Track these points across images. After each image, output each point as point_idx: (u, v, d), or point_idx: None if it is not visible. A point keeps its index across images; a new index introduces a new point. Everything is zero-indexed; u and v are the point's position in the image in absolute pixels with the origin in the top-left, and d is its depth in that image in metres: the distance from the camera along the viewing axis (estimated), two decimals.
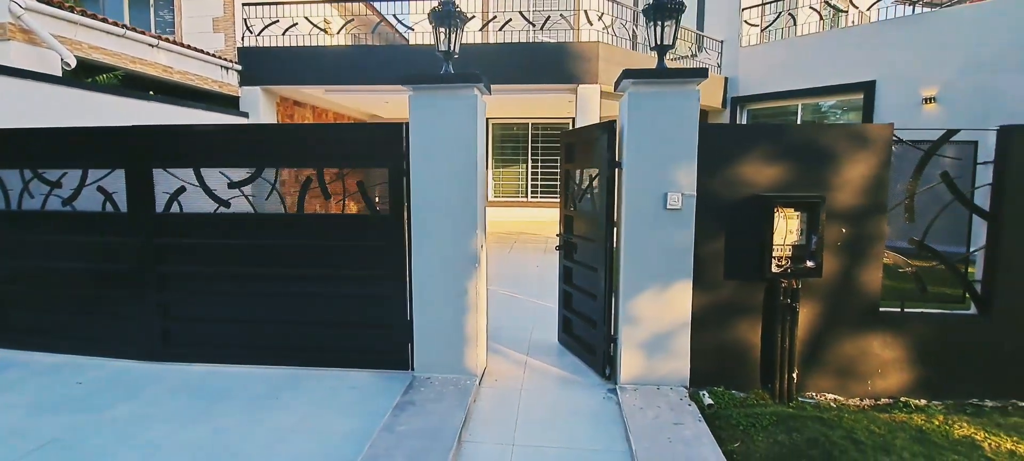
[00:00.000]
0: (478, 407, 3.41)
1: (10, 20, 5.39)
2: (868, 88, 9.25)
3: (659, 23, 3.49)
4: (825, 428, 3.03)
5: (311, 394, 3.58)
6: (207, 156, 3.97)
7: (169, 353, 4.08)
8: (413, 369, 3.86)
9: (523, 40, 9.15)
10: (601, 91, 8.80)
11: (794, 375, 3.47)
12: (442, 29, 3.67)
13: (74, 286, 4.26)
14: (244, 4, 9.41)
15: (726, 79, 11.57)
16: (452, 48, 3.71)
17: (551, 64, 8.70)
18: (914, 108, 8.60)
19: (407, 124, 3.70)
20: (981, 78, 7.78)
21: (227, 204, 3.98)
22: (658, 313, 3.54)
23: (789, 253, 3.38)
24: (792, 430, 3.02)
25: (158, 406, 3.41)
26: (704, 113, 12.33)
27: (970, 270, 3.67)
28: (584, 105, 8.81)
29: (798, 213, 3.36)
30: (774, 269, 3.37)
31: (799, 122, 10.55)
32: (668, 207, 3.45)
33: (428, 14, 3.72)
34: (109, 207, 4.11)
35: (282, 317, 4.01)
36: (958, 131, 3.40)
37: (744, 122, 11.74)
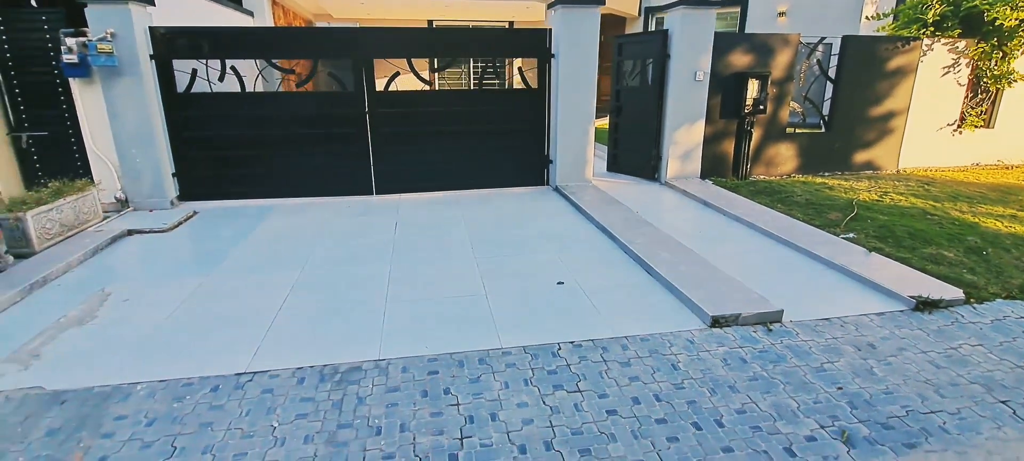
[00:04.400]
0: (599, 189, 6.21)
1: None
2: (743, 3, 12.93)
3: None
4: (766, 186, 6.45)
5: (504, 197, 6.06)
6: (413, 49, 5.86)
7: (387, 188, 6.12)
8: (551, 184, 6.49)
9: None
10: None
11: (749, 166, 6.84)
12: None
13: (311, 146, 5.93)
14: None
15: None
16: None
17: None
18: (772, 19, 12.47)
19: (549, 29, 6.01)
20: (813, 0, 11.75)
21: (430, 83, 5.97)
22: (687, 138, 6.58)
23: (751, 102, 6.57)
24: (751, 186, 6.37)
25: (418, 208, 5.63)
26: (623, 20, 15.32)
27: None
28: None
29: (757, 81, 6.51)
30: (745, 110, 6.55)
31: None
32: (696, 79, 6.38)
33: None
34: (337, 87, 5.82)
35: (467, 159, 6.26)
36: (825, 37, 6.79)
37: (652, 27, 14.99)
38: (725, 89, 6.56)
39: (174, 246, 4.53)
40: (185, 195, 5.75)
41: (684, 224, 5.14)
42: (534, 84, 6.24)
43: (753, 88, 6.47)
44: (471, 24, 13.98)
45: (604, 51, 6.29)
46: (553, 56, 6.09)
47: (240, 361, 2.73)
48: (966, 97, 7.60)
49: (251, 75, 5.86)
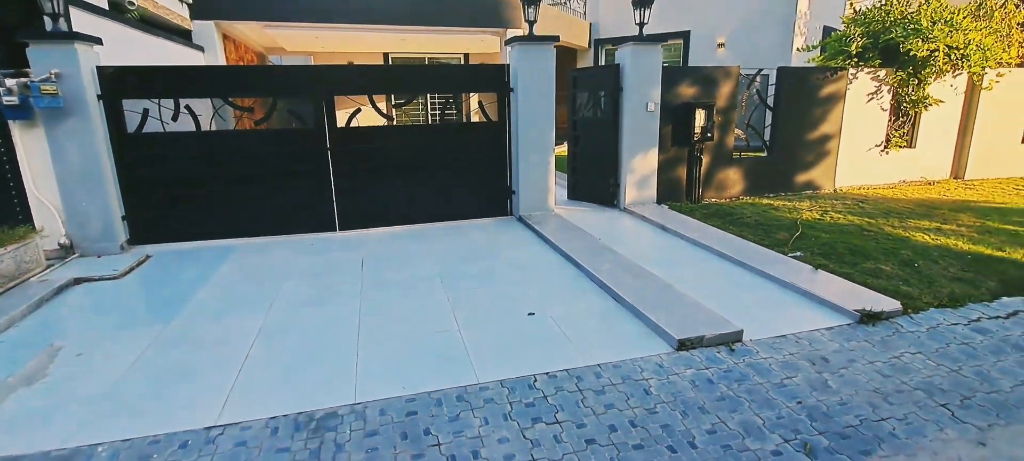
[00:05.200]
0: (561, 217, 6.38)
1: None
2: (685, 35, 13.71)
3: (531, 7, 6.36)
4: (718, 209, 6.80)
5: (469, 229, 6.12)
6: (376, 86, 5.90)
7: (351, 224, 6.07)
8: (514, 214, 6.61)
9: None
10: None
11: (701, 190, 7.19)
12: (530, 8, 6.18)
13: (271, 184, 5.81)
14: None
15: (590, 24, 15.17)
16: (533, 21, 6.26)
17: (489, 9, 11.04)
18: (712, 50, 13.27)
19: (508, 65, 6.21)
20: (748, 32, 12.61)
21: (390, 118, 6.01)
22: (642, 165, 6.88)
23: (699, 131, 6.95)
24: (705, 209, 6.71)
25: (383, 243, 5.62)
26: (574, 52, 15.88)
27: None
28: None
29: (703, 110, 6.91)
30: (694, 138, 6.92)
31: None
32: (648, 110, 6.71)
33: None
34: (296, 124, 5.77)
35: (431, 191, 6.30)
36: (762, 69, 7.30)
37: (603, 59, 15.62)
38: (675, 118, 6.92)
39: (128, 293, 4.32)
40: (136, 239, 5.51)
41: (645, 249, 5.35)
42: (495, 117, 6.39)
43: (700, 117, 6.85)
44: (427, 57, 14.17)
45: (559, 80, 6.53)
46: (512, 90, 6.27)
47: (209, 414, 2.64)
48: (890, 120, 8.31)
49: (207, 113, 5.73)
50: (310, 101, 5.72)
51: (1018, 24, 8.40)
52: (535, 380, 2.91)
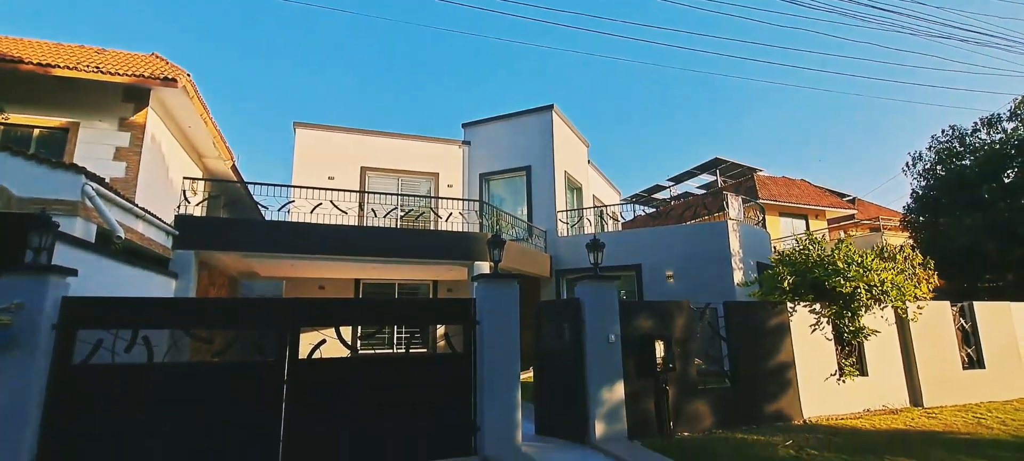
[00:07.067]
0: (533, 459, 5.97)
1: (82, 199, 6.35)
2: (638, 268, 14.93)
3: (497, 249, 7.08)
4: (692, 445, 6.57)
5: None
6: (344, 318, 5.98)
7: None
8: (479, 453, 6.18)
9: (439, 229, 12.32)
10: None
11: (672, 423, 7.03)
12: (495, 250, 6.77)
13: (216, 425, 5.36)
14: (184, 177, 10.52)
15: (551, 256, 16.47)
16: (498, 261, 6.80)
17: (459, 247, 11.95)
18: (662, 282, 14.34)
19: (474, 299, 6.51)
20: (692, 266, 13.87)
21: (355, 350, 5.96)
22: (609, 396, 6.80)
23: (661, 361, 7.10)
24: (680, 448, 6.46)
25: None
26: (537, 280, 16.87)
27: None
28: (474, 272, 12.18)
29: (663, 341, 7.17)
30: (657, 368, 7.03)
31: None
32: (609, 341, 6.93)
33: (488, 240, 6.79)
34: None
35: (390, 429, 5.92)
36: (710, 303, 7.87)
37: (565, 291, 16.57)
38: (637, 350, 7.12)
39: None
40: None
41: None
42: (460, 348, 6.42)
43: (660, 348, 7.08)
44: (397, 283, 14.73)
45: (525, 309, 6.78)
46: (478, 322, 6.45)
47: None
48: (837, 349, 8.77)
49: (163, 345, 5.56)
50: (274, 333, 5.68)
51: (919, 264, 9.63)
52: None
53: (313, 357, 5.79)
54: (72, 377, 5.01)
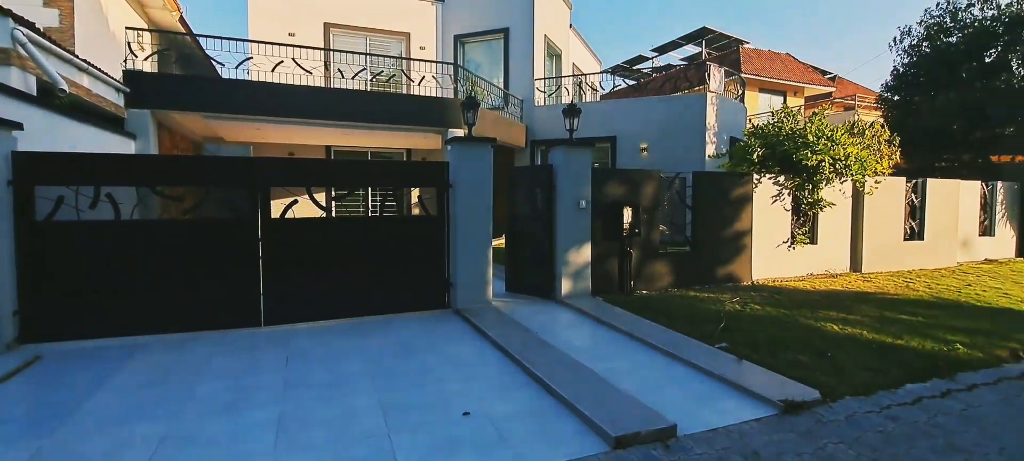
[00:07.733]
0: (499, 310, 6.40)
1: (13, 47, 5.76)
2: (613, 140, 14.91)
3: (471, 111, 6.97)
4: (649, 301, 7.10)
5: (405, 323, 5.98)
6: (315, 180, 5.90)
7: (278, 318, 5.77)
8: (452, 306, 6.56)
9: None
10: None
11: (633, 283, 7.51)
12: (469, 113, 6.57)
13: (194, 276, 5.47)
14: (126, 27, 9.57)
15: (527, 126, 16.20)
16: (472, 124, 6.64)
17: (433, 112, 11.58)
18: (637, 153, 14.45)
19: (448, 163, 6.46)
20: (667, 139, 13.92)
21: (328, 210, 5.96)
22: (576, 258, 7.15)
23: (628, 227, 7.39)
24: (637, 301, 6.98)
25: (313, 338, 5.37)
26: (512, 150, 16.74)
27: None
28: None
29: (631, 208, 7.40)
30: (624, 233, 7.34)
31: None
32: (580, 207, 7.11)
33: (461, 102, 6.56)
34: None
35: (367, 284, 6.17)
36: (680, 173, 8.03)
37: (539, 162, 16.55)
38: (606, 216, 7.35)
39: (3, 402, 3.79)
40: (29, 336, 4.92)
41: (581, 342, 5.43)
42: (434, 211, 6.52)
43: (628, 214, 7.33)
44: (370, 151, 14.43)
45: (499, 177, 6.83)
46: (451, 186, 6.48)
47: None
48: (793, 220, 9.25)
49: (130, 201, 5.45)
50: (245, 192, 5.61)
51: (885, 141, 9.88)
52: None
53: (286, 217, 5.80)
54: (38, 233, 4.94)
